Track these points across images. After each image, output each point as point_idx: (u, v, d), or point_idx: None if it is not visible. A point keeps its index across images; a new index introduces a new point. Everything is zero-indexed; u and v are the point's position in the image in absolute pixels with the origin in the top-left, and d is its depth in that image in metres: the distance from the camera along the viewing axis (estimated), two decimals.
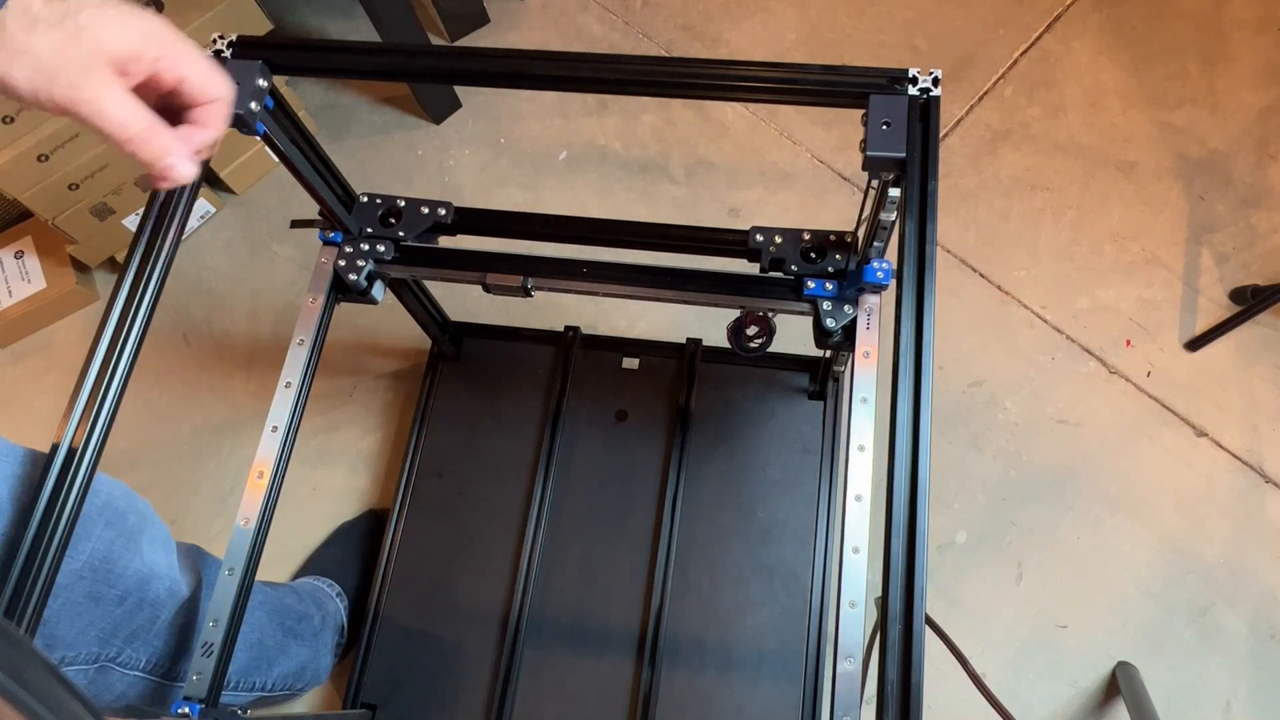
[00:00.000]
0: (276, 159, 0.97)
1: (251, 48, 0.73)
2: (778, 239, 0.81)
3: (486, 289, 0.87)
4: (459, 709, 1.08)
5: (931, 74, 0.67)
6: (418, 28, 1.35)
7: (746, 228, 0.81)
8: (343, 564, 1.20)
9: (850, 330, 0.78)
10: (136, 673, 0.77)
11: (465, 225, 0.90)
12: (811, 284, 0.79)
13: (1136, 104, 1.43)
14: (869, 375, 0.74)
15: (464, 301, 1.36)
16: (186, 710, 0.74)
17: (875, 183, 0.72)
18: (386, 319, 1.38)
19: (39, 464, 0.68)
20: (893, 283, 0.68)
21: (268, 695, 0.99)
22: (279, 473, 0.82)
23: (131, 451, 1.34)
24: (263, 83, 0.72)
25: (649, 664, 1.07)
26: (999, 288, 1.34)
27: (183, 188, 0.72)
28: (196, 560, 0.88)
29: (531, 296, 0.87)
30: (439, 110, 1.51)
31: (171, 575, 0.80)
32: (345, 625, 1.14)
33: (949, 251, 1.36)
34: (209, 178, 1.46)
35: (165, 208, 0.71)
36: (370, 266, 0.87)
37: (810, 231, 0.81)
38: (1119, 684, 1.11)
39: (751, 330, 0.88)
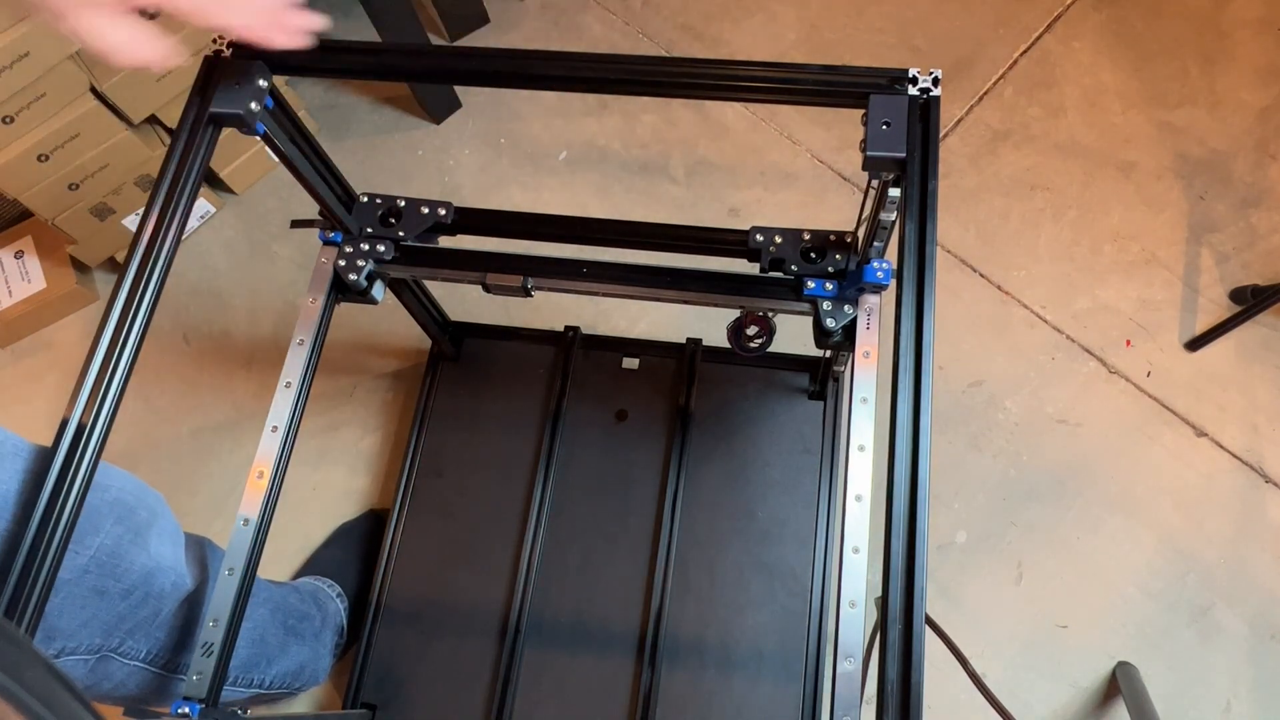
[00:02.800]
0: (276, 159, 0.97)
1: (251, 48, 0.73)
2: (778, 239, 0.81)
3: (486, 289, 0.87)
4: (459, 709, 1.08)
5: (931, 74, 0.67)
6: (418, 28, 1.35)
7: (746, 228, 0.81)
8: (343, 564, 1.20)
9: (850, 330, 0.78)
10: (137, 663, 0.77)
11: (465, 225, 0.90)
12: (811, 284, 0.79)
13: (1136, 104, 1.43)
14: (869, 375, 0.74)
15: (464, 301, 1.36)
16: (186, 710, 0.74)
17: (875, 183, 0.72)
18: (386, 319, 1.38)
19: (44, 459, 0.68)
20: (893, 283, 0.68)
21: (265, 693, 0.99)
22: (279, 473, 0.82)
23: (131, 451, 1.34)
24: (263, 83, 0.72)
25: (649, 664, 1.07)
26: (999, 288, 1.34)
27: (182, 187, 0.72)
28: (204, 553, 0.88)
29: (531, 296, 0.87)
30: (439, 110, 1.51)
31: (177, 569, 0.80)
32: (345, 626, 1.14)
33: (949, 251, 1.36)
34: (209, 178, 1.46)
35: (165, 208, 0.71)
36: (370, 266, 0.87)
37: (810, 231, 0.81)
38: (1119, 684, 1.11)
39: (751, 330, 0.88)
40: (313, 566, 1.22)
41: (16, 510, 0.65)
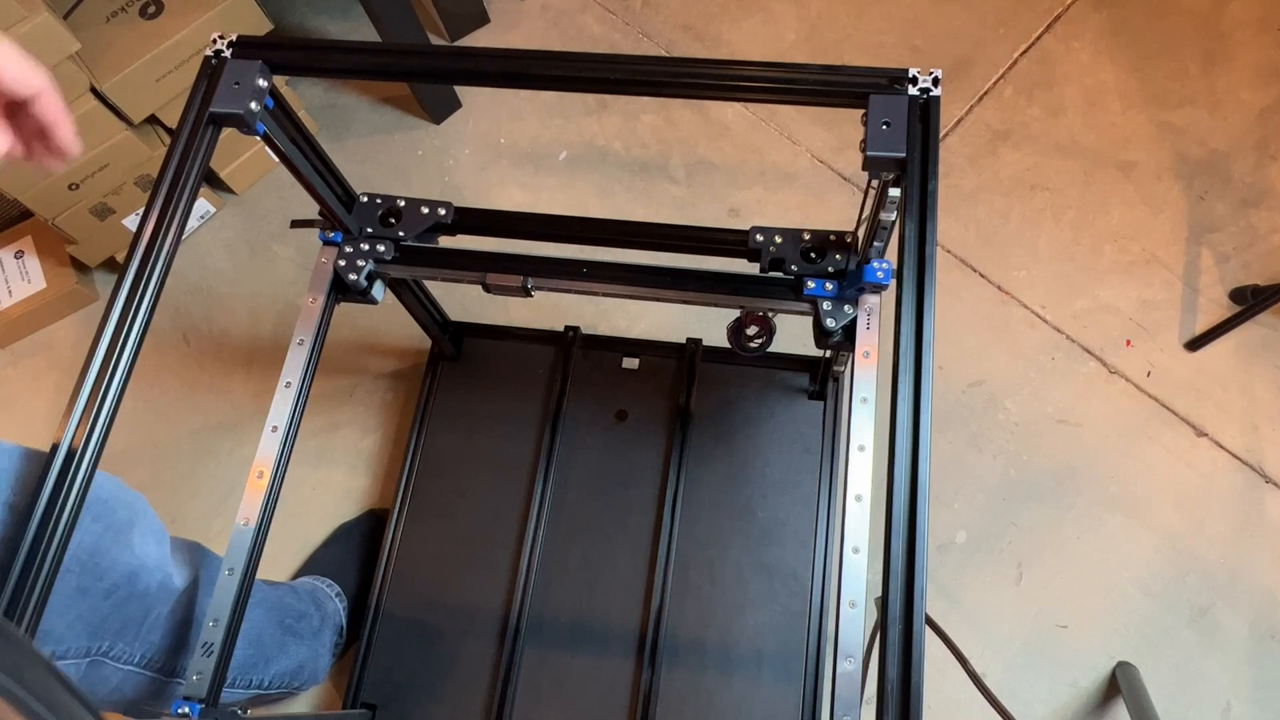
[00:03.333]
0: (276, 159, 0.97)
1: (251, 48, 0.73)
2: (778, 239, 0.81)
3: (486, 289, 0.87)
4: (459, 709, 1.08)
5: (931, 74, 0.67)
6: (418, 28, 1.35)
7: (746, 228, 0.81)
8: (343, 564, 1.20)
9: (850, 330, 0.78)
10: (131, 667, 0.77)
11: (465, 225, 0.90)
12: (811, 284, 0.79)
13: (1136, 104, 1.43)
14: (869, 375, 0.74)
15: (464, 301, 1.36)
16: (186, 710, 0.74)
17: (875, 183, 0.72)
18: (386, 319, 1.38)
19: (35, 461, 0.68)
20: (893, 283, 0.68)
21: (265, 693, 0.99)
22: (279, 473, 0.82)
23: (131, 451, 1.34)
24: (263, 83, 0.72)
25: (649, 664, 1.07)
26: (999, 288, 1.34)
27: (182, 187, 0.72)
28: (196, 556, 0.88)
29: (531, 296, 0.87)
30: (439, 110, 1.51)
31: (163, 569, 0.80)
32: (344, 626, 1.14)
33: (949, 251, 1.36)
34: (209, 178, 1.46)
35: (165, 208, 0.71)
36: (370, 266, 0.87)
37: (810, 231, 0.81)
38: (1119, 684, 1.11)
39: (751, 330, 0.88)
40: (312, 566, 1.22)
41: (9, 513, 0.65)
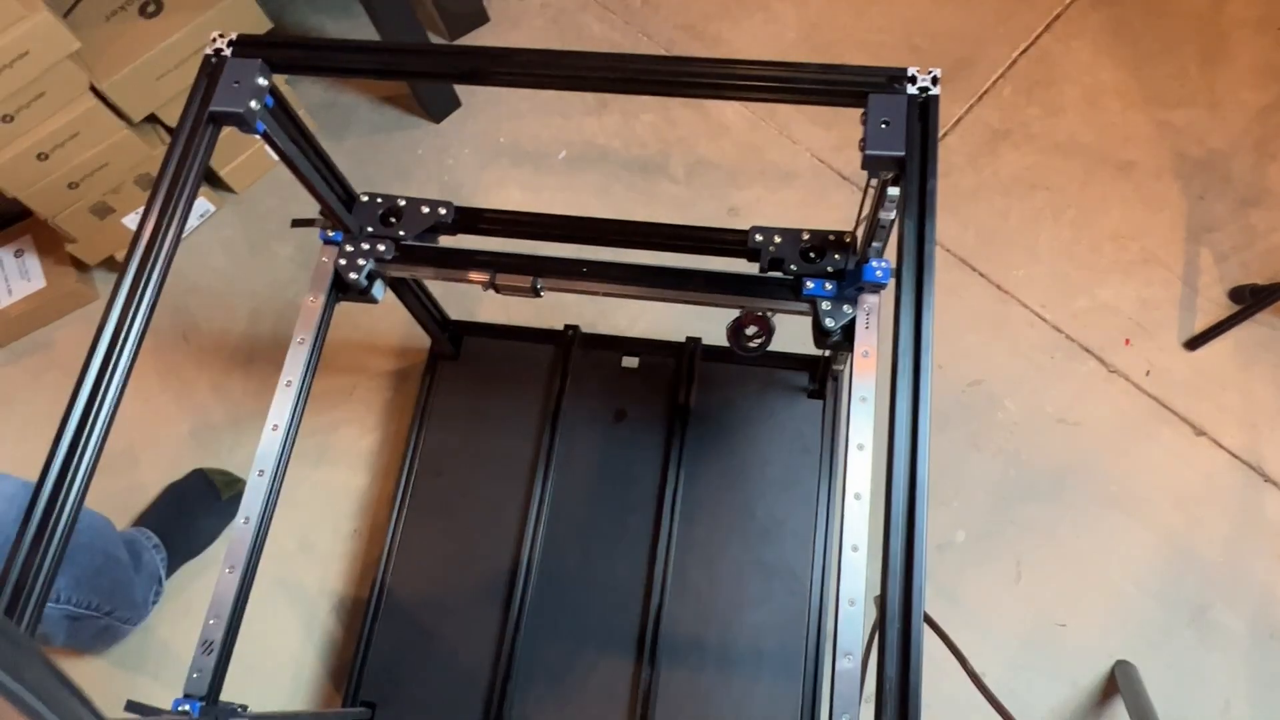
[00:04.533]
0: (276, 158, 0.98)
1: (251, 46, 0.73)
2: (777, 239, 0.81)
3: (496, 290, 0.87)
4: (459, 708, 1.08)
5: (931, 73, 0.67)
6: (418, 27, 1.35)
7: (746, 227, 0.81)
8: (166, 519, 1.26)
9: (849, 330, 0.78)
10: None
11: (465, 225, 0.90)
12: (811, 283, 0.79)
13: (1136, 103, 1.43)
14: (868, 374, 0.74)
15: (464, 301, 1.36)
16: (187, 708, 0.74)
17: (874, 182, 0.72)
18: (386, 318, 1.38)
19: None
20: (892, 282, 0.68)
21: (76, 612, 1.04)
22: (279, 472, 0.82)
23: (131, 451, 1.34)
24: (262, 81, 0.72)
25: (649, 663, 1.07)
26: (998, 287, 1.34)
27: (182, 186, 0.72)
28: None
29: (541, 297, 0.87)
30: (439, 110, 1.51)
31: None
32: (163, 576, 1.22)
33: (948, 251, 1.36)
34: (209, 177, 1.46)
35: (165, 207, 0.71)
36: (370, 266, 0.87)
37: (809, 231, 0.81)
38: (1118, 683, 1.11)
39: (751, 330, 0.89)
40: (140, 520, 1.28)
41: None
